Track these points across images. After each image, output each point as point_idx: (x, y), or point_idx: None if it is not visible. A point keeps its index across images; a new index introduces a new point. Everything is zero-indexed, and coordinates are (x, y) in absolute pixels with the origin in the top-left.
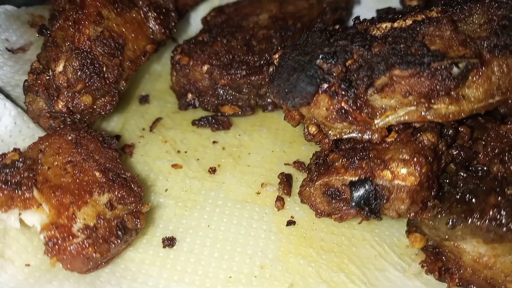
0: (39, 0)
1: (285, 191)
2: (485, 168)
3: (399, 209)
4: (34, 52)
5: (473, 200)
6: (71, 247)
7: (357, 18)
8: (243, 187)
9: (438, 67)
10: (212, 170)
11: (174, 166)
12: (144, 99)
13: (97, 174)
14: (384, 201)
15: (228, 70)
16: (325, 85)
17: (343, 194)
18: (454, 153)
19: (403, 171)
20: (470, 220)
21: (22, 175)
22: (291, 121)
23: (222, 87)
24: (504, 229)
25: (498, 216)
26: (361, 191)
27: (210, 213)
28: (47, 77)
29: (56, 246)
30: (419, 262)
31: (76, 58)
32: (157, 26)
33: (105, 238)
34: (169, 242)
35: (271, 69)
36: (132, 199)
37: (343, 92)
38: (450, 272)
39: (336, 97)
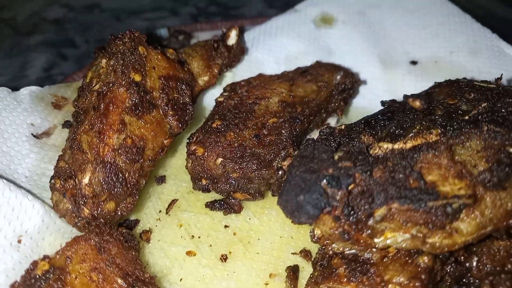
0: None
1: (292, 285)
2: (476, 283)
3: None
4: (57, 135)
5: None
6: None
7: (368, 127)
8: (252, 277)
9: (433, 206)
10: (224, 258)
11: (188, 253)
12: (161, 180)
13: (119, 281)
14: None
15: (240, 164)
16: (328, 209)
17: None
18: (449, 268)
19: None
20: None
21: (52, 287)
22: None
23: (234, 178)
24: None
25: None
26: None
27: None
28: (74, 184)
29: None
30: None
31: (101, 170)
32: (175, 122)
33: None
34: None
35: (280, 173)
36: None
37: (345, 217)
38: None
39: (339, 221)
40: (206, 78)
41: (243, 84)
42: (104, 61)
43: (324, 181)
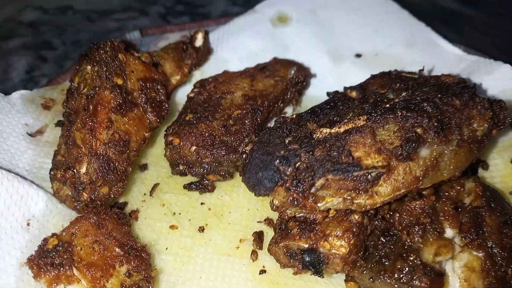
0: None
1: (258, 246)
2: (397, 234)
3: (336, 269)
4: (49, 133)
5: (386, 262)
6: None
7: (313, 115)
8: (225, 243)
9: (357, 175)
10: (202, 229)
11: (171, 227)
12: (144, 167)
13: (117, 249)
14: (325, 265)
15: (211, 151)
16: (281, 182)
17: (298, 255)
18: (377, 223)
19: (338, 243)
20: (383, 278)
21: (62, 257)
22: (258, 196)
23: (207, 162)
24: (404, 286)
25: (401, 276)
26: (309, 258)
27: (201, 266)
28: (72, 174)
29: None
30: None
31: (95, 161)
32: (153, 117)
33: None
34: None
35: (244, 156)
36: (144, 266)
37: (294, 188)
38: None
39: (289, 191)
40: (178, 77)
41: (211, 81)
42: (89, 67)
43: (277, 160)
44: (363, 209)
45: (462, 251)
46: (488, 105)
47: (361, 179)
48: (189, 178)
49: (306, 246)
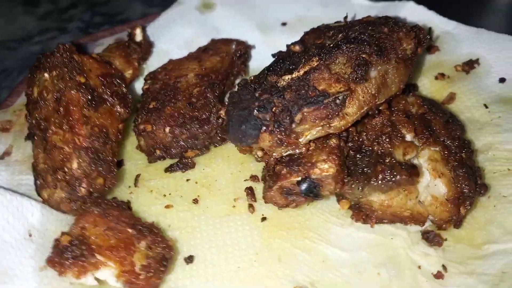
0: None
1: (252, 199)
2: (369, 149)
3: (330, 189)
4: (16, 152)
5: (368, 171)
6: (141, 282)
7: (270, 71)
8: (221, 206)
9: (327, 102)
10: (195, 201)
11: (166, 207)
12: (120, 163)
13: (129, 230)
14: (321, 187)
15: (185, 127)
16: (264, 128)
17: (294, 190)
18: (350, 145)
19: (326, 166)
20: (370, 183)
21: (81, 249)
22: (244, 152)
23: (183, 139)
24: (390, 183)
25: (384, 176)
26: (305, 185)
27: (207, 231)
28: (64, 173)
29: (133, 284)
30: (349, 216)
31: (85, 155)
32: (122, 109)
33: (157, 268)
34: (190, 259)
35: (220, 121)
36: (159, 239)
37: (276, 130)
38: (370, 216)
39: (273, 133)
40: (130, 71)
41: (160, 71)
42: (46, 75)
43: (255, 111)
44: (338, 131)
45: (422, 148)
46: (410, 28)
47: (331, 105)
48: (168, 162)
49: (299, 178)
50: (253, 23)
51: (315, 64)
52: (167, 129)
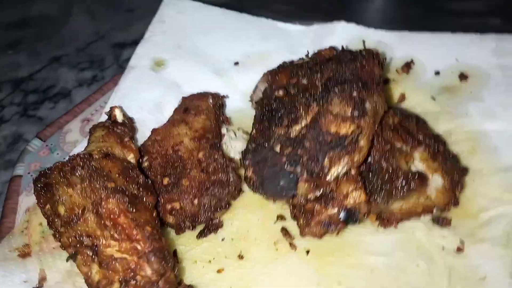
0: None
1: (291, 237)
2: (377, 167)
3: (364, 211)
4: (50, 276)
5: (387, 187)
6: None
7: (274, 125)
8: (266, 253)
9: (348, 143)
10: (241, 257)
11: (219, 271)
12: None
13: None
14: (358, 212)
15: (211, 193)
16: (300, 179)
17: (331, 220)
18: (362, 169)
19: (357, 194)
20: (393, 197)
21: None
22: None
23: (211, 205)
24: (408, 192)
25: (403, 188)
26: (344, 215)
27: (264, 280)
28: (136, 282)
29: None
30: (377, 225)
31: (153, 257)
32: (149, 198)
33: None
34: None
35: (252, 182)
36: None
37: (310, 178)
38: (391, 220)
39: (308, 181)
40: (132, 156)
41: (150, 144)
42: (70, 190)
43: (286, 166)
44: (358, 164)
45: (412, 153)
46: (373, 55)
47: (351, 144)
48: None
49: (335, 210)
50: (208, 70)
51: (316, 111)
52: (196, 201)
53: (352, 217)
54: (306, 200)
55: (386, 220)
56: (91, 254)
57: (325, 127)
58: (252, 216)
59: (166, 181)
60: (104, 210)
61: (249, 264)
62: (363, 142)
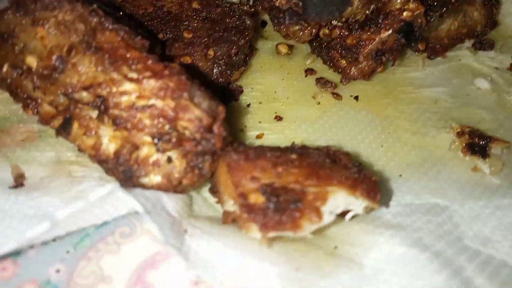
0: None
1: (333, 85)
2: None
3: (422, 24)
4: (29, 169)
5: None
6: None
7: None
8: (309, 109)
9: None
10: (279, 118)
11: (258, 136)
12: None
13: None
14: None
15: (228, 39)
16: None
17: (384, 47)
18: None
19: (414, 5)
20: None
21: (286, 196)
22: (288, 38)
23: (225, 57)
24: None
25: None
26: (405, 28)
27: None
28: (177, 133)
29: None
30: (423, 57)
31: (197, 89)
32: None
33: None
34: None
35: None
36: None
37: None
38: (438, 49)
39: None
40: None
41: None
42: (38, 29)
43: None
44: None
45: None
46: None
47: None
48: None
49: (389, 32)
50: None
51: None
52: (210, 52)
53: (412, 32)
54: (344, 35)
55: (435, 47)
56: (95, 114)
57: None
58: (273, 77)
59: (186, 35)
60: (103, 43)
61: (293, 123)
62: None
